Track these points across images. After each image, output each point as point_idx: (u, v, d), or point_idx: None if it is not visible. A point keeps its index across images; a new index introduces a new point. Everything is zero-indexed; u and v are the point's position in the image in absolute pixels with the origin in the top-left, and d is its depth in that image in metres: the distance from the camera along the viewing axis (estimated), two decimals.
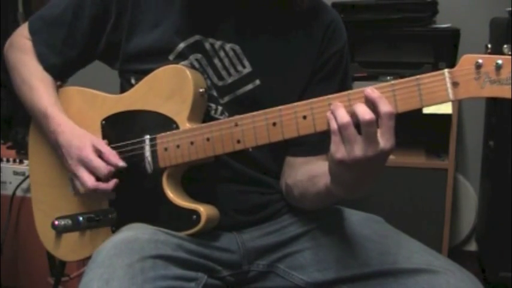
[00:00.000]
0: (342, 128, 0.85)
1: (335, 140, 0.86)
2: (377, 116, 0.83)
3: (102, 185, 1.06)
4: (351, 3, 1.97)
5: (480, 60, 0.81)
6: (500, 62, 0.80)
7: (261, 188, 1.14)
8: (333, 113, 0.87)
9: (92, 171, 1.07)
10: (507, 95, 0.80)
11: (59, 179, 1.19)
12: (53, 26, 1.18)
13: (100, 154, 1.08)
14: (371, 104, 0.84)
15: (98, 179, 1.07)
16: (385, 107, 0.83)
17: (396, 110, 0.85)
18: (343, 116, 0.85)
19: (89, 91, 1.18)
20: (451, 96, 0.83)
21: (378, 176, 0.90)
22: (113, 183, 1.07)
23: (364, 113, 0.83)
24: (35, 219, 1.25)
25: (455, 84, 0.83)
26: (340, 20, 1.17)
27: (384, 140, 0.83)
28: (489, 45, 0.88)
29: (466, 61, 0.83)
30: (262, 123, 0.95)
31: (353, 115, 0.84)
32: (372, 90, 0.86)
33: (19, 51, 1.21)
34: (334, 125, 0.86)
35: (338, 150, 0.86)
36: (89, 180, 1.06)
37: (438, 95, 0.84)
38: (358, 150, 0.83)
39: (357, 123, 0.84)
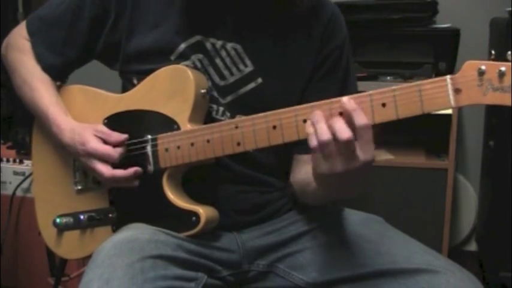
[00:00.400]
0: (322, 145, 0.83)
1: (315, 156, 0.86)
2: (353, 128, 0.82)
3: (119, 172, 1.06)
4: (351, 3, 1.97)
5: (483, 67, 0.80)
6: (503, 69, 0.78)
7: (261, 188, 1.14)
8: (313, 125, 0.85)
9: (104, 160, 1.07)
10: (508, 103, 0.79)
11: (61, 177, 1.20)
12: (52, 26, 1.18)
13: (104, 140, 1.08)
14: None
15: (116, 166, 1.07)
16: (360, 119, 0.82)
17: (397, 115, 0.85)
18: (323, 133, 0.83)
19: (92, 90, 1.18)
20: (452, 103, 0.82)
21: (366, 180, 0.90)
22: (131, 170, 1.06)
23: (342, 131, 0.81)
24: (37, 217, 1.26)
25: (457, 90, 0.82)
26: (339, 15, 1.17)
27: (363, 152, 0.82)
28: (493, 52, 0.88)
29: (469, 67, 0.81)
30: (263, 126, 0.95)
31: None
32: (347, 101, 0.84)
33: (18, 51, 1.21)
34: (314, 142, 0.84)
35: (319, 166, 0.85)
36: (105, 170, 1.06)
37: (439, 101, 0.82)
38: (339, 166, 0.83)
39: None
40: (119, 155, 1.07)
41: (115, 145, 1.07)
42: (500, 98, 0.79)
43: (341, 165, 0.83)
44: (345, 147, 0.81)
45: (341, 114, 0.85)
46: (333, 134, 0.82)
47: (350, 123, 0.82)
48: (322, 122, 0.84)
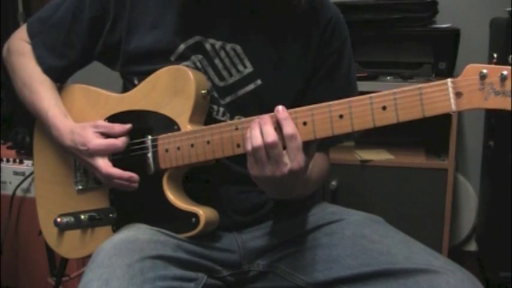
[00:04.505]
0: (254, 150, 0.89)
1: (249, 159, 0.91)
2: (282, 136, 0.88)
3: (115, 171, 1.05)
4: (351, 3, 1.97)
5: (485, 71, 0.79)
6: (505, 72, 0.78)
7: None
8: (250, 131, 0.91)
9: (110, 152, 1.07)
10: (510, 107, 0.78)
11: (62, 177, 1.20)
12: (52, 28, 1.18)
13: (106, 134, 1.08)
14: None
15: (117, 166, 1.07)
16: (286, 128, 0.88)
17: (397, 119, 0.85)
18: (256, 139, 0.89)
19: (93, 89, 1.19)
20: (453, 107, 0.81)
21: (303, 187, 0.97)
22: (127, 174, 1.06)
23: (268, 135, 0.88)
24: (39, 216, 1.26)
25: (458, 94, 0.81)
26: (339, 16, 1.17)
27: (290, 160, 0.88)
28: (495, 55, 0.87)
29: (471, 71, 0.80)
30: None
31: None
32: (281, 110, 0.90)
33: (18, 54, 1.21)
34: (248, 147, 0.91)
35: (252, 168, 0.92)
36: (103, 166, 1.06)
37: (440, 105, 0.82)
38: (268, 170, 0.89)
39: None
40: (123, 143, 1.07)
41: (118, 136, 1.08)
42: (502, 102, 0.78)
43: (269, 171, 0.89)
44: (271, 150, 0.88)
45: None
46: (263, 138, 0.89)
47: (280, 130, 0.89)
48: (257, 129, 0.90)
